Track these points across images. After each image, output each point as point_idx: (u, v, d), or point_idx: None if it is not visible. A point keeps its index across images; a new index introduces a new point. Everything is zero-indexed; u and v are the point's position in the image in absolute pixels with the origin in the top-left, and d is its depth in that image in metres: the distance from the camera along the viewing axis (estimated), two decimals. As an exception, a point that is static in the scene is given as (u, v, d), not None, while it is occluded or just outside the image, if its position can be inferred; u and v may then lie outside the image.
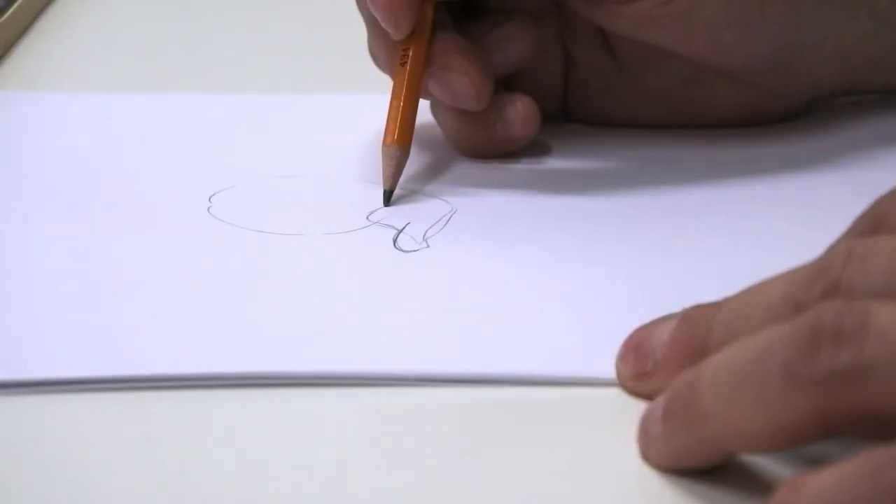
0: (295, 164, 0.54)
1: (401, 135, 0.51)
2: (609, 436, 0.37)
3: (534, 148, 0.54)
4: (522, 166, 0.54)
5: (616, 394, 0.38)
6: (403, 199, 0.51)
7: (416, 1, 0.50)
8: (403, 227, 0.48)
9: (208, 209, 0.50)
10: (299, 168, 0.54)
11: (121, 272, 0.45)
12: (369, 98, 0.58)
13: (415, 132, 0.52)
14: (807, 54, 0.54)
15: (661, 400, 0.34)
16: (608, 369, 0.39)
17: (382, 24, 0.51)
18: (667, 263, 0.46)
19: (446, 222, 0.49)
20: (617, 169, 0.53)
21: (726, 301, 0.36)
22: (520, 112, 0.53)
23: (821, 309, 0.31)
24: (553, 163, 0.54)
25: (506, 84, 0.54)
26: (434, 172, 0.53)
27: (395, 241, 0.47)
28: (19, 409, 0.38)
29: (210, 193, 0.51)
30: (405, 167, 0.51)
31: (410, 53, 0.51)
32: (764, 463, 0.34)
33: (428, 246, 0.47)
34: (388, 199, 0.50)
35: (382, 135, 0.51)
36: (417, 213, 0.49)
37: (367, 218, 0.49)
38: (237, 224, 0.49)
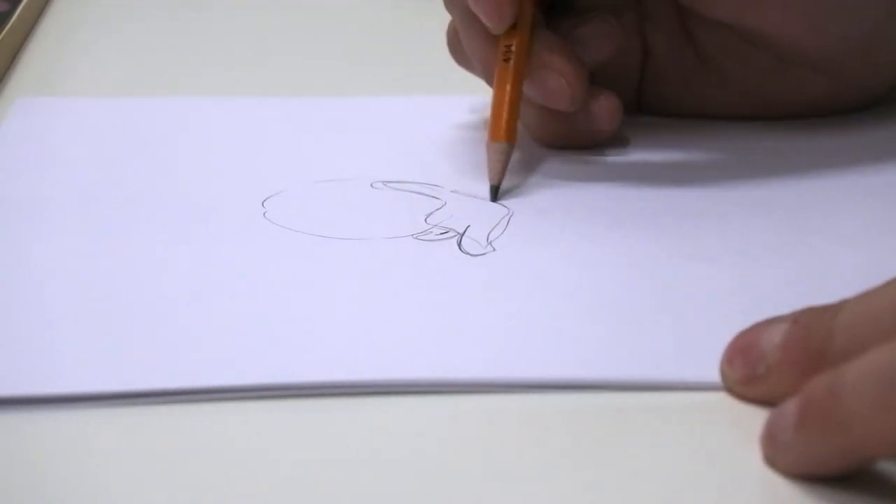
0: (338, 168, 0.53)
1: (508, 130, 0.51)
2: (722, 441, 0.36)
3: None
4: (582, 158, 0.54)
5: (720, 398, 0.38)
6: (456, 201, 0.50)
7: None
8: (465, 231, 0.48)
9: (264, 214, 0.49)
10: (343, 171, 0.53)
11: (188, 281, 0.44)
12: (400, 100, 0.58)
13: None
14: (894, 39, 0.53)
15: (791, 406, 0.34)
16: (710, 373, 0.38)
17: (483, 18, 0.50)
18: (758, 260, 0.45)
19: (507, 224, 0.48)
20: (691, 161, 0.53)
21: (845, 304, 0.35)
22: (603, 106, 0.53)
23: None
24: (622, 154, 0.54)
25: None
26: (474, 171, 0.52)
27: (459, 244, 0.47)
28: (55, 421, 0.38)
29: (261, 199, 0.50)
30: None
31: (514, 48, 0.51)
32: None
33: (494, 249, 0.47)
34: (495, 194, 0.50)
35: (488, 130, 0.51)
36: (474, 216, 0.49)
37: (426, 221, 0.49)
38: (297, 229, 0.48)
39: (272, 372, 0.39)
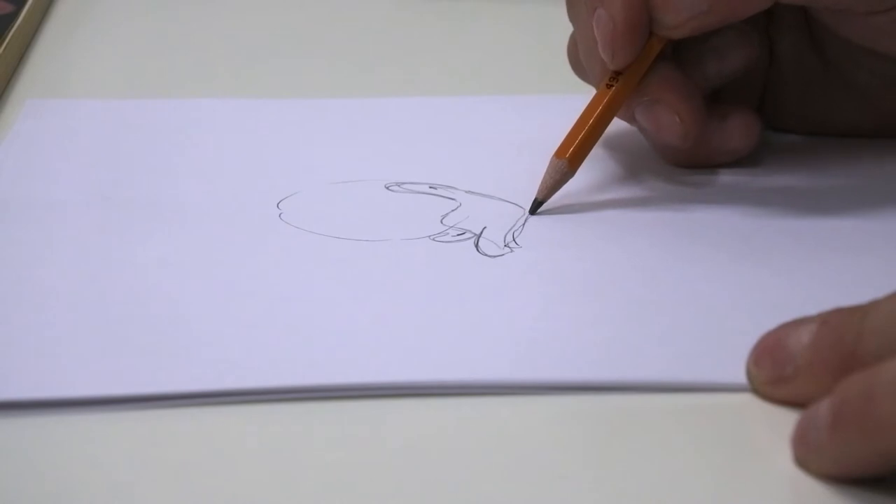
0: (352, 169, 0.53)
1: (575, 154, 0.49)
2: (750, 443, 0.36)
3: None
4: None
5: (746, 399, 0.38)
6: (470, 202, 0.50)
7: (638, 39, 0.48)
8: (481, 232, 0.48)
9: (279, 216, 0.49)
10: (356, 173, 0.52)
11: (204, 283, 0.44)
12: (407, 101, 0.58)
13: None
14: None
15: (824, 407, 0.34)
16: (736, 374, 0.38)
17: (600, 52, 0.49)
18: (783, 260, 0.45)
19: (523, 225, 0.48)
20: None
21: (876, 305, 0.35)
22: (739, 123, 0.51)
23: None
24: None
25: None
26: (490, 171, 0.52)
27: (476, 245, 0.47)
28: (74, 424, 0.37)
29: (276, 200, 0.50)
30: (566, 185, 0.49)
31: (620, 80, 0.49)
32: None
33: (511, 250, 0.46)
34: (535, 208, 0.49)
35: (557, 145, 0.49)
36: (490, 217, 0.49)
37: (442, 222, 0.48)
38: (314, 231, 0.47)
39: (289, 374, 0.39)
